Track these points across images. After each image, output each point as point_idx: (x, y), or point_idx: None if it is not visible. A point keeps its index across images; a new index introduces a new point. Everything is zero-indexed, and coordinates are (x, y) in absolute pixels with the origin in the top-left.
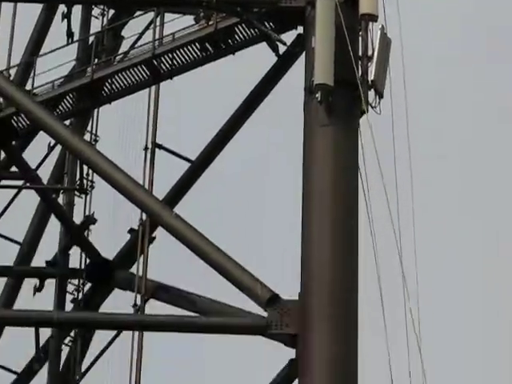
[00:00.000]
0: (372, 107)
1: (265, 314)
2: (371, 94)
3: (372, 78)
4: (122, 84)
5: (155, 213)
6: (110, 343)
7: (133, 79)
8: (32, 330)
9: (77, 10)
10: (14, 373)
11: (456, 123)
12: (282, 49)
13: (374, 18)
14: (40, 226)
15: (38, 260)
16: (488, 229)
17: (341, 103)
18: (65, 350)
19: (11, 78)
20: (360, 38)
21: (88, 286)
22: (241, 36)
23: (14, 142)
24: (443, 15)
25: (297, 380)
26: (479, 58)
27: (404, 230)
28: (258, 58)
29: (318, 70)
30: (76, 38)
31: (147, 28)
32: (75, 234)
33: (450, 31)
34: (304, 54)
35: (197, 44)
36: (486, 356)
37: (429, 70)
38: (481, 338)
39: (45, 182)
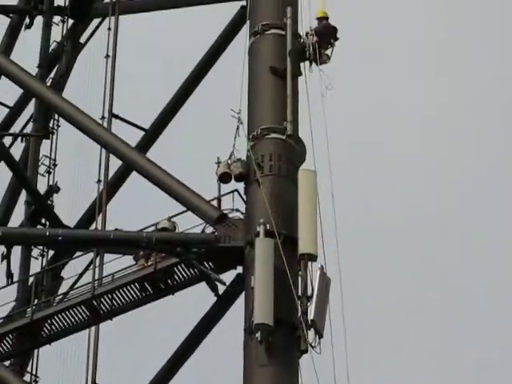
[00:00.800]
0: (312, 347)
1: None
2: (311, 333)
3: (311, 317)
4: (61, 324)
5: None
6: None
7: (73, 320)
8: None
9: (16, 250)
10: None
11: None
12: (221, 288)
13: (313, 257)
14: None
15: None
16: None
17: (281, 343)
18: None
19: None
20: (299, 278)
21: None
22: (180, 276)
23: None
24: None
25: None
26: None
27: None
28: (197, 298)
29: (257, 309)
30: (16, 278)
31: (87, 268)
32: None
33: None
34: (244, 293)
35: (136, 284)
36: None
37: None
38: None
39: None
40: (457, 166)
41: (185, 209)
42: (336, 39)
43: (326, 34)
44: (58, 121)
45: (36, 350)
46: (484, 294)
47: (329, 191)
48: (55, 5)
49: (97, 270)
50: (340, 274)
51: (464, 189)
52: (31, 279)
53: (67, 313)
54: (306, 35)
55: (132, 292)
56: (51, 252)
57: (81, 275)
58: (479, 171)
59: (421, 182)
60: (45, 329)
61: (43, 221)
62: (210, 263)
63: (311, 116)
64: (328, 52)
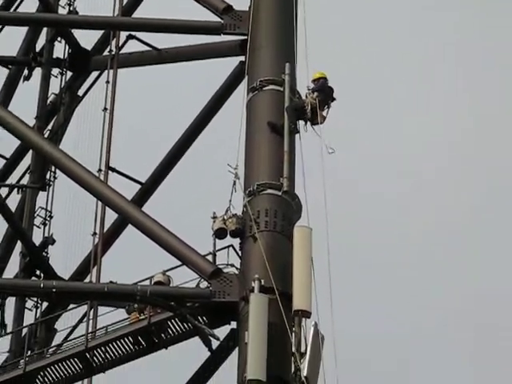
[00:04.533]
0: None
1: None
2: None
3: (305, 374)
4: (55, 376)
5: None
6: None
7: (66, 372)
8: None
9: (10, 301)
10: None
11: None
12: (215, 343)
13: (307, 314)
14: None
15: None
16: None
17: None
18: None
19: None
20: (293, 334)
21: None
22: (174, 330)
23: None
24: None
25: None
26: None
27: None
28: (190, 352)
29: (250, 365)
30: (9, 329)
31: (80, 321)
32: None
33: None
34: (237, 348)
35: (130, 338)
36: None
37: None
38: None
39: None
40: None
41: (180, 263)
42: (333, 100)
43: (325, 95)
44: (54, 172)
45: None
46: None
47: (324, 248)
48: (54, 57)
49: (90, 322)
50: (334, 332)
51: None
52: (25, 330)
53: (60, 365)
54: (306, 96)
55: (125, 345)
56: (45, 303)
57: (74, 327)
58: None
59: (420, 234)
60: (38, 381)
61: (38, 272)
62: (204, 318)
63: (306, 173)
64: (324, 113)
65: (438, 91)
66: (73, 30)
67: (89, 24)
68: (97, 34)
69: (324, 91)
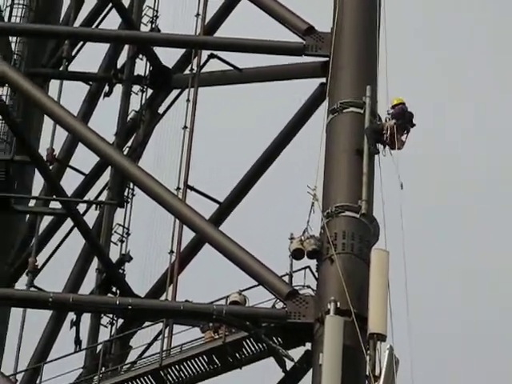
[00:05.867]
0: None
1: None
2: None
3: None
4: None
5: None
6: None
7: None
8: None
9: (86, 317)
10: None
11: None
12: (289, 364)
13: (382, 337)
14: None
15: None
16: None
17: None
18: None
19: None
20: (368, 357)
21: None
22: (248, 350)
23: None
24: None
25: None
26: None
27: None
28: (264, 372)
29: None
30: (84, 345)
31: (155, 338)
32: None
33: None
34: (311, 370)
35: (204, 357)
36: None
37: None
38: None
39: None
40: None
41: (256, 283)
42: (413, 125)
43: (404, 120)
44: (133, 190)
45: None
46: None
47: (402, 272)
48: (135, 74)
49: (165, 340)
50: (412, 358)
51: None
52: (99, 347)
53: (134, 382)
54: (386, 120)
55: (200, 364)
56: (121, 320)
57: (149, 345)
58: None
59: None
60: None
61: (114, 289)
62: (279, 338)
63: (384, 196)
64: (403, 138)
65: None
66: (154, 48)
67: (170, 42)
68: (178, 52)
69: (403, 117)
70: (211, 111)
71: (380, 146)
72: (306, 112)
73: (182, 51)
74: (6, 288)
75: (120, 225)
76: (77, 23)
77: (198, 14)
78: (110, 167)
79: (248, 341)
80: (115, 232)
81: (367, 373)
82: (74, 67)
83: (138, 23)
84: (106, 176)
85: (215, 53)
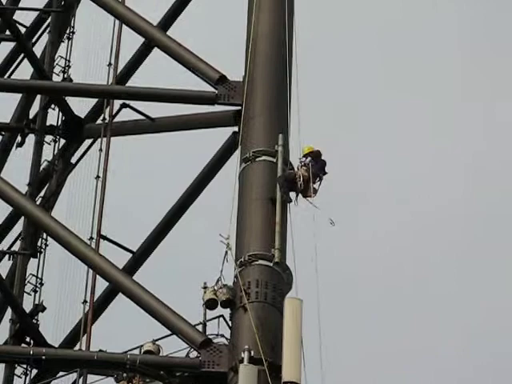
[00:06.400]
0: None
1: None
2: None
3: None
4: None
5: None
6: None
7: None
8: None
9: (0, 367)
10: None
11: None
12: None
13: None
14: None
15: None
16: None
17: None
18: None
19: None
20: None
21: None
22: None
23: None
24: None
25: None
26: None
27: None
28: None
29: None
30: None
31: None
32: None
33: None
34: None
35: None
36: None
37: None
38: None
39: None
40: None
41: (170, 332)
42: (325, 173)
43: (317, 168)
44: (46, 240)
45: None
46: None
47: (315, 318)
48: (47, 124)
49: None
50: None
51: None
52: None
53: None
54: (298, 168)
55: None
56: (35, 371)
57: None
58: None
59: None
60: None
61: (28, 339)
62: None
63: (295, 245)
64: (316, 185)
65: None
66: (66, 98)
67: (82, 92)
68: (91, 102)
69: (316, 164)
70: (124, 161)
71: (293, 195)
72: (219, 161)
73: (94, 101)
74: None
75: (33, 275)
76: None
77: (110, 64)
78: (23, 217)
79: None
80: (28, 282)
81: None
82: None
83: (50, 73)
84: (19, 226)
85: (127, 102)
